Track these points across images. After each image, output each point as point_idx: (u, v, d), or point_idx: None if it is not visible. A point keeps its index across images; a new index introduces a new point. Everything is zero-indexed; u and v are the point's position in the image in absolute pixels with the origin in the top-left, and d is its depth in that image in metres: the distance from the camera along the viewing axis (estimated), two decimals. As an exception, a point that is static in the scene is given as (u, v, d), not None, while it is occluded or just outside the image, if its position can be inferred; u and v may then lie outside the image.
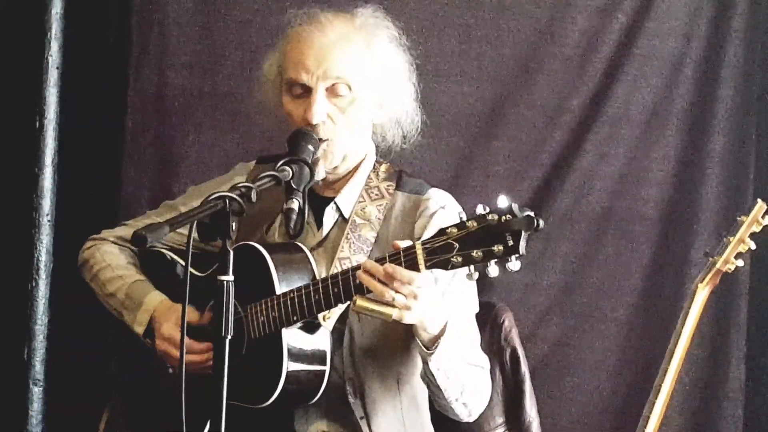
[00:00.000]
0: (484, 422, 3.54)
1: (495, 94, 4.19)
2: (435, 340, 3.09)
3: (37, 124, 4.19)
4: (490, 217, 2.80)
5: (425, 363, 3.12)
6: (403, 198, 3.35)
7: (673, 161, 4.15)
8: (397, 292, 2.95)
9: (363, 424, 3.24)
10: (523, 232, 2.77)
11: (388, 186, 3.36)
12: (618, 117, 4.15)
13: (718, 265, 3.51)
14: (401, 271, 2.93)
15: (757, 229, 3.51)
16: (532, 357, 3.79)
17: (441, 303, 3.09)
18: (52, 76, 4.19)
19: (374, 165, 3.40)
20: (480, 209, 2.83)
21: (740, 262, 3.52)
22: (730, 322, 4.11)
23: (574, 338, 4.16)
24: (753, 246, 3.51)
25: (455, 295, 3.25)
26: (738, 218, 3.52)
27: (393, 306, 2.97)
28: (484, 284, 3.31)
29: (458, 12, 4.19)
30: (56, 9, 4.18)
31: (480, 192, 4.12)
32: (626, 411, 4.07)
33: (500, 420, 3.57)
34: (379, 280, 2.95)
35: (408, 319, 3.01)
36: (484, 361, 3.28)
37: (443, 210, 3.31)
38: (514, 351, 3.56)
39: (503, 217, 2.79)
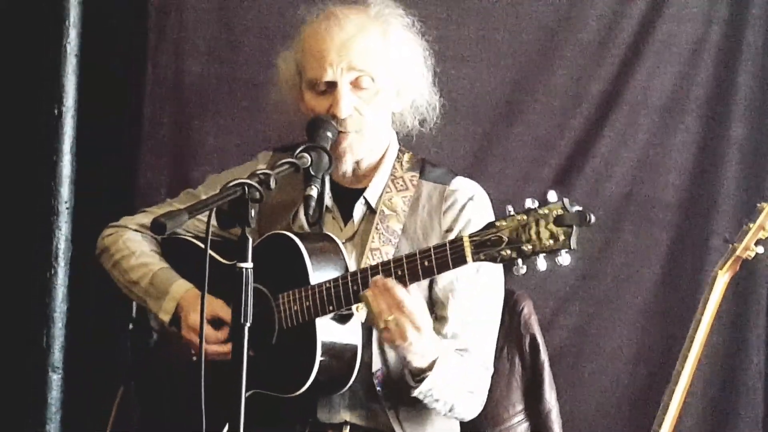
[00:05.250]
0: (503, 410, 3.54)
1: (514, 81, 4.18)
2: (421, 373, 3.11)
3: (56, 111, 4.19)
4: (541, 211, 2.81)
5: (411, 389, 3.15)
6: (428, 188, 3.35)
7: (692, 147, 4.15)
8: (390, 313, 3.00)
9: (391, 414, 3.25)
10: (575, 227, 2.78)
11: (412, 177, 3.36)
12: (637, 103, 4.15)
13: (738, 252, 3.50)
14: (394, 290, 2.98)
15: (777, 215, 3.49)
16: (551, 344, 3.78)
17: (431, 337, 3.10)
18: (71, 63, 4.19)
19: (398, 154, 3.40)
20: (529, 203, 2.84)
21: (760, 249, 3.50)
22: (750, 308, 4.11)
23: (594, 325, 4.16)
24: (773, 232, 3.50)
25: (476, 294, 3.26)
26: (758, 204, 3.51)
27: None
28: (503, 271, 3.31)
29: (477, -2, 4.19)
30: (74, -4, 4.20)
31: (499, 178, 4.12)
32: (645, 398, 4.06)
33: (519, 407, 3.56)
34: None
35: (389, 342, 3.06)
36: (484, 377, 3.29)
37: (472, 201, 3.31)
38: (533, 338, 3.56)
39: (554, 212, 2.80)
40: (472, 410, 3.29)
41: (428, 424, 3.29)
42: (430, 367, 3.11)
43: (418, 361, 3.10)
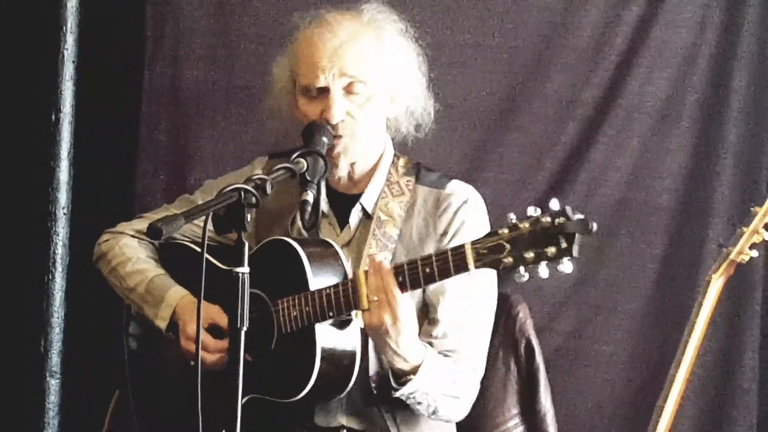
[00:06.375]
0: (499, 413, 3.55)
1: (509, 86, 4.19)
2: (404, 375, 3.13)
3: (53, 117, 4.21)
4: (543, 219, 2.82)
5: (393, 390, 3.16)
6: (424, 192, 3.36)
7: (686, 152, 4.15)
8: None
9: (388, 417, 3.27)
10: (577, 235, 2.78)
11: (407, 181, 3.37)
12: (632, 108, 4.15)
13: (732, 256, 3.50)
14: (388, 276, 3.00)
15: (771, 219, 3.50)
16: (546, 348, 3.78)
17: (413, 340, 3.11)
18: (68, 69, 4.20)
19: (393, 159, 3.41)
20: (531, 211, 2.84)
21: (754, 253, 3.50)
22: (745, 312, 4.11)
23: (589, 329, 4.17)
24: (767, 236, 3.50)
25: (467, 295, 3.27)
26: (752, 208, 3.51)
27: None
28: (498, 275, 3.32)
29: (471, 3, 4.19)
30: (71, 3, 4.20)
31: (494, 183, 4.13)
32: (640, 402, 4.07)
33: (515, 411, 3.57)
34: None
35: (367, 325, 3.07)
36: (472, 380, 3.29)
37: (466, 204, 3.33)
38: (528, 342, 3.57)
39: (556, 220, 2.80)
40: (457, 414, 3.30)
41: (425, 427, 3.31)
42: (414, 371, 3.12)
43: (400, 363, 3.11)
